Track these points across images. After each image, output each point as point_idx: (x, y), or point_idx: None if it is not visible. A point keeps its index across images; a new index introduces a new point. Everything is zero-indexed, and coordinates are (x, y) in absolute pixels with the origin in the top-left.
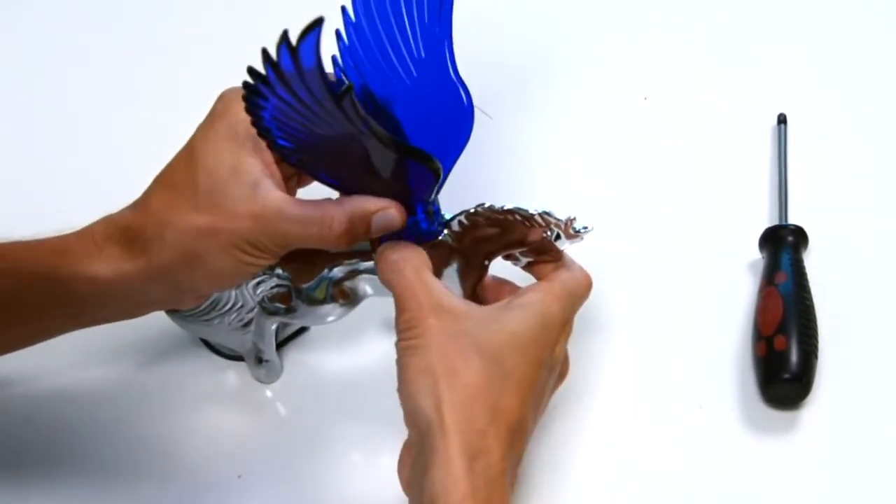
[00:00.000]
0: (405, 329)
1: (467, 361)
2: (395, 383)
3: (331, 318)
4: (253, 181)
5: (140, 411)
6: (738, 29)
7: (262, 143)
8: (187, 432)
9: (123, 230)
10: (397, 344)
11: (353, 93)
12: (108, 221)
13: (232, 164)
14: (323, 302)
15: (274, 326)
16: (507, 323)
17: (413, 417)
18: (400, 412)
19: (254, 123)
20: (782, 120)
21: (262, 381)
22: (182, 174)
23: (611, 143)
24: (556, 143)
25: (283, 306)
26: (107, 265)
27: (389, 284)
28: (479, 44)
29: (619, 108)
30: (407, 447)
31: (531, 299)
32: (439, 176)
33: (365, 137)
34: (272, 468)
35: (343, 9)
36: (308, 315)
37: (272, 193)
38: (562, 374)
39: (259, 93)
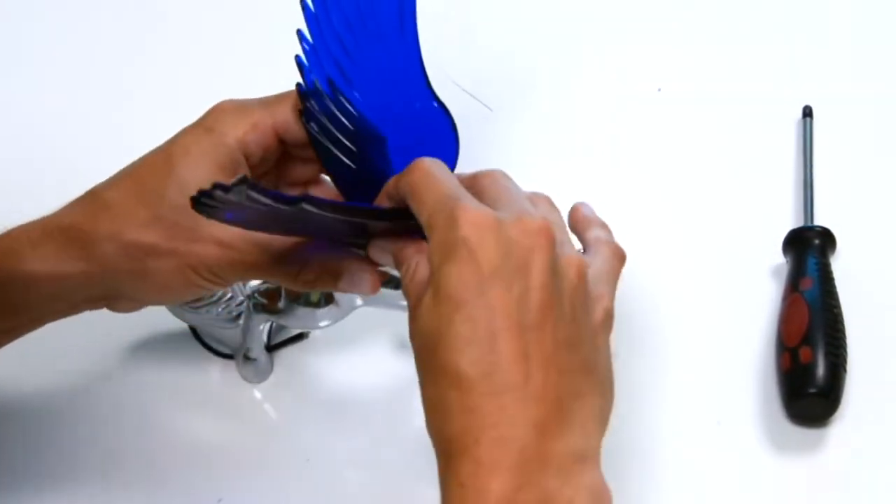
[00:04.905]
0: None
1: None
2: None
3: (324, 323)
4: None
5: (125, 412)
6: (759, 14)
7: (245, 168)
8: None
9: (66, 228)
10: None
11: (308, 200)
12: (48, 219)
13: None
14: (318, 305)
15: (263, 326)
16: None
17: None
18: (397, 428)
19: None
20: (808, 113)
21: (248, 381)
22: (153, 178)
23: (622, 138)
24: (562, 138)
25: (271, 305)
26: (41, 265)
27: None
28: (478, 32)
29: (631, 99)
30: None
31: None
32: None
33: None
34: (255, 488)
35: (303, 3)
36: (301, 318)
37: None
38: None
39: (212, 206)
